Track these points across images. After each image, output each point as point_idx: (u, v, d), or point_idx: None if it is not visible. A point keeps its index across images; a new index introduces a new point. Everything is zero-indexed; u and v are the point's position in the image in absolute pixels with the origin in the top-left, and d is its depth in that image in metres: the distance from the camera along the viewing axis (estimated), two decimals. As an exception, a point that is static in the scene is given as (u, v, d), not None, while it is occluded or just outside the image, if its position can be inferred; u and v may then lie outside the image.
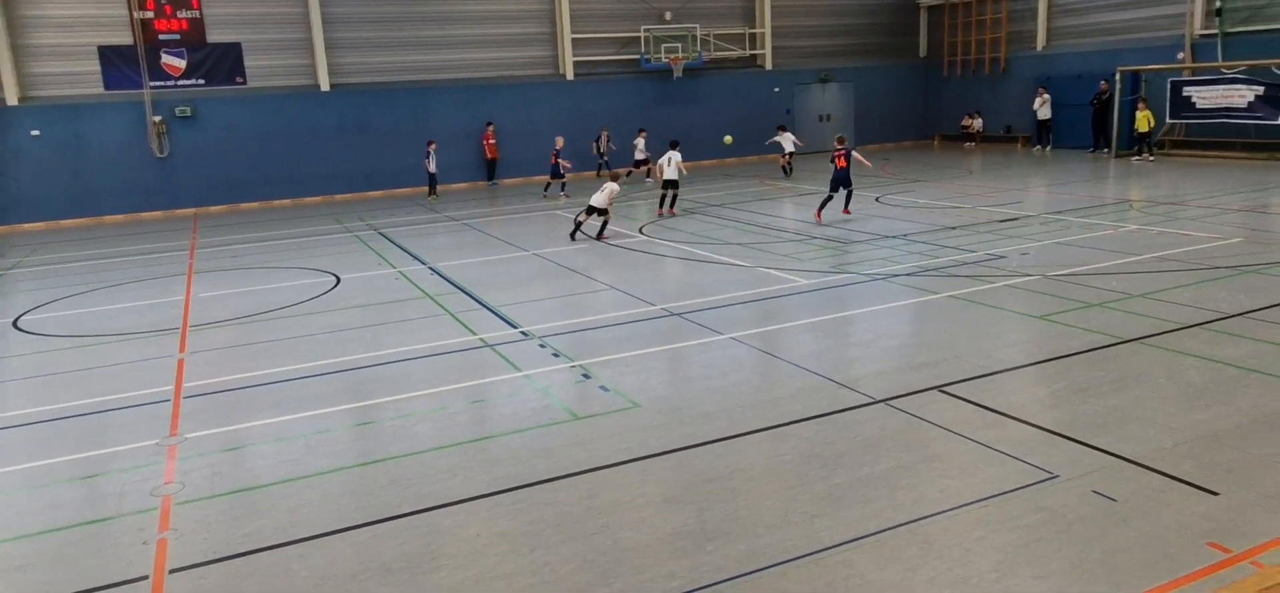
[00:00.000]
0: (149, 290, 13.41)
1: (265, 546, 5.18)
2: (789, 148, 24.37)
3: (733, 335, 9.05)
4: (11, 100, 21.90)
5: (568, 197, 21.17)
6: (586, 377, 8.00)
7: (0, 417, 7.85)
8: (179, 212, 23.68)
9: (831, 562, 4.67)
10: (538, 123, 26.44)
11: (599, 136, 26.37)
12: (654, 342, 9.07)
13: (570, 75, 27.71)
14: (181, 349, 9.79)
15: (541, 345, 9.05)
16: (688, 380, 7.97)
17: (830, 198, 16.10)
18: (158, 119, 23.15)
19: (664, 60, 28.28)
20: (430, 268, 13.74)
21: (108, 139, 22.95)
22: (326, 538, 5.24)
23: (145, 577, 4.87)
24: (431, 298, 11.63)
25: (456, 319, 10.42)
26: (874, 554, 4.71)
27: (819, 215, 15.93)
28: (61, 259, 17.19)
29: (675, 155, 17.80)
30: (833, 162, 16.04)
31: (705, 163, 28.84)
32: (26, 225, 22.31)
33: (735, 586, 4.50)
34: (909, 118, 32.83)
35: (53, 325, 11.40)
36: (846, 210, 16.16)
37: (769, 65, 30.51)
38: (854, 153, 16.40)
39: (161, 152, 23.37)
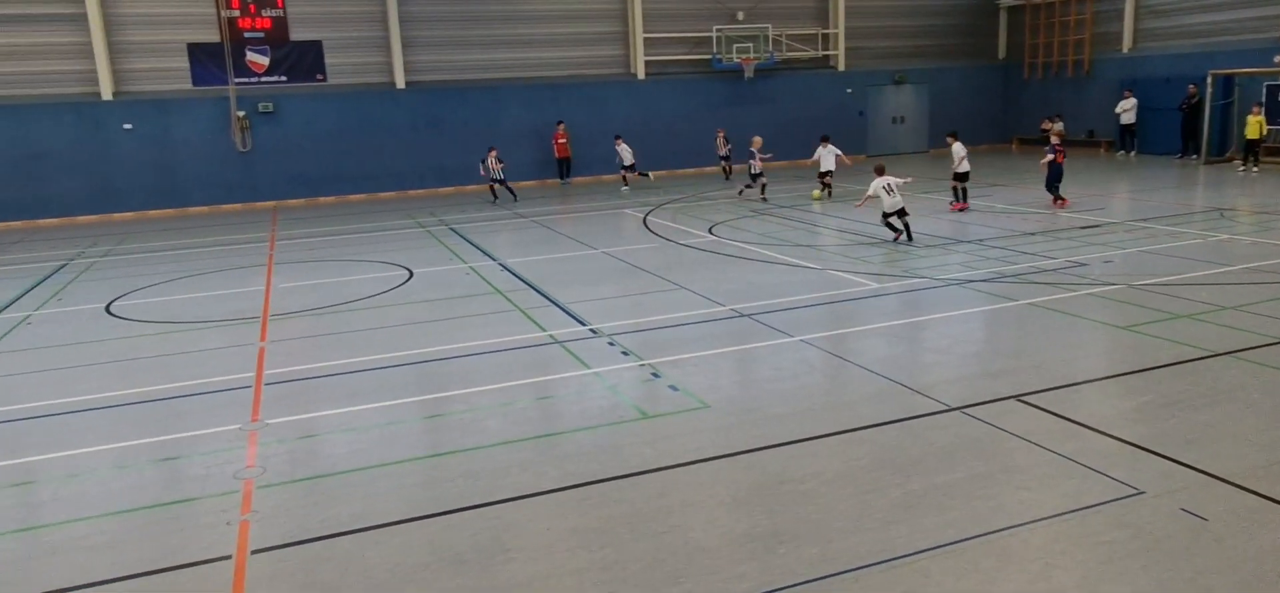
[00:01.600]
0: (231, 280, 13.87)
1: (342, 531, 5.30)
2: (829, 165, 20.20)
3: (803, 338, 8.94)
4: (106, 95, 22.90)
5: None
6: (656, 376, 8.00)
7: (91, 398, 8.20)
8: (259, 205, 24.45)
9: (906, 570, 4.57)
10: (607, 123, 26.53)
11: (717, 136, 26.04)
12: (724, 342, 9.02)
13: (641, 75, 27.76)
14: (262, 338, 10.09)
15: (611, 343, 9.08)
16: (758, 382, 7.90)
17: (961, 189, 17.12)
18: (241, 114, 23.94)
19: (736, 61, 28.13)
20: (501, 264, 13.91)
21: (194, 133, 23.83)
22: (400, 526, 5.34)
23: (228, 557, 5.03)
24: (502, 294, 11.77)
25: (526, 315, 10.52)
26: (951, 564, 4.60)
27: (962, 205, 17.00)
28: (149, 248, 17.91)
29: (833, 150, 19.80)
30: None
31: (777, 164, 28.62)
32: (117, 215, 23.30)
33: (807, 590, 4.44)
34: (986, 120, 31.99)
35: (141, 311, 11.87)
36: (962, 205, 17.03)
37: (842, 66, 30.11)
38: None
39: (244, 146, 24.16)
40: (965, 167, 17.19)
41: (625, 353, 8.74)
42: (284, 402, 7.79)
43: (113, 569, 4.97)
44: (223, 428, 7.15)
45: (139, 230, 20.80)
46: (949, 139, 17.74)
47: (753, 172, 20.37)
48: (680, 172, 27.63)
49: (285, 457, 6.54)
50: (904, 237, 13.74)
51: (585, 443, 6.55)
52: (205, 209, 23.98)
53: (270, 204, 24.52)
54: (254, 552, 5.07)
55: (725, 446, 6.34)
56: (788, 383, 7.68)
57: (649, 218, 18.24)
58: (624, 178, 23.84)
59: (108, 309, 12.06)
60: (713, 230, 16.24)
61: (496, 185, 22.97)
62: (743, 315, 9.96)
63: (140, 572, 4.94)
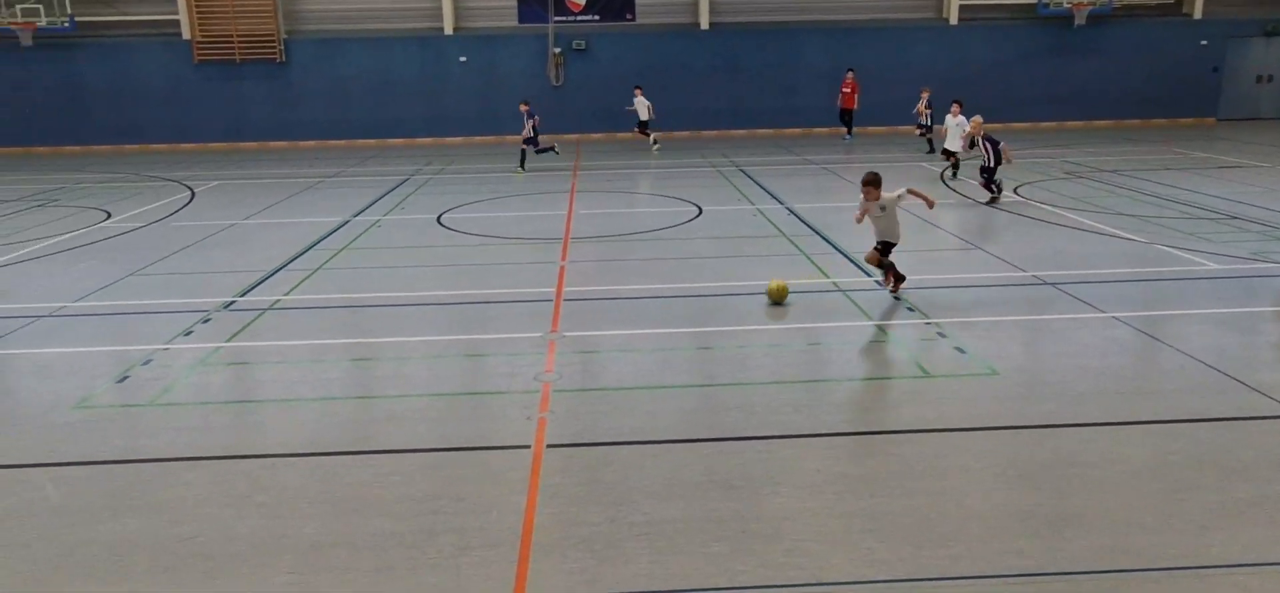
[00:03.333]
0: (539, 204, 15.11)
1: (625, 440, 5.70)
2: (954, 144, 16.50)
3: (1115, 314, 8.09)
4: (448, 30, 25.59)
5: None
6: (942, 336, 7.66)
7: (421, 295, 9.38)
8: (566, 136, 26.25)
9: (1221, 581, 4.07)
10: (907, 72, 25.27)
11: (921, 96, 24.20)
12: (1020, 309, 8.41)
13: (954, 20, 26.07)
14: (563, 257, 10.94)
15: (897, 298, 8.80)
16: (1055, 355, 7.29)
17: None
18: (557, 51, 25.72)
19: (1065, 5, 25.49)
20: (788, 208, 13.90)
21: (515, 68, 26.01)
22: (676, 445, 5.62)
23: (527, 446, 5.61)
24: (787, 237, 11.78)
25: (810, 260, 10.47)
26: (1278, 585, 4.03)
27: None
28: (474, 169, 19.94)
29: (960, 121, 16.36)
30: None
31: (1099, 122, 25.79)
32: (448, 139, 26.13)
33: (1096, 581, 4.11)
34: (1384, 83, 26.55)
35: (466, 225, 13.32)
36: None
37: (1198, 12, 26.22)
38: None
39: (557, 81, 25.98)
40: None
41: (911, 309, 8.43)
42: (578, 317, 8.43)
43: (436, 441, 5.73)
44: (526, 335, 7.90)
45: (465, 154, 23.20)
46: None
47: (986, 167, 14.06)
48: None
49: (578, 367, 7.11)
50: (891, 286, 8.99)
51: (860, 393, 6.46)
52: (518, 138, 26.16)
53: (575, 137, 26.22)
54: (549, 445, 5.61)
55: (1012, 417, 5.96)
56: (1091, 361, 7.02)
57: (945, 174, 17.26)
58: (645, 133, 22.13)
59: (438, 220, 13.66)
60: (1018, 191, 15.04)
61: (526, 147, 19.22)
62: (1045, 284, 9.20)
63: (457, 446, 5.66)
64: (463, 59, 25.80)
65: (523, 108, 19.06)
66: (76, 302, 9.35)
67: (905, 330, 7.87)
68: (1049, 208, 13.44)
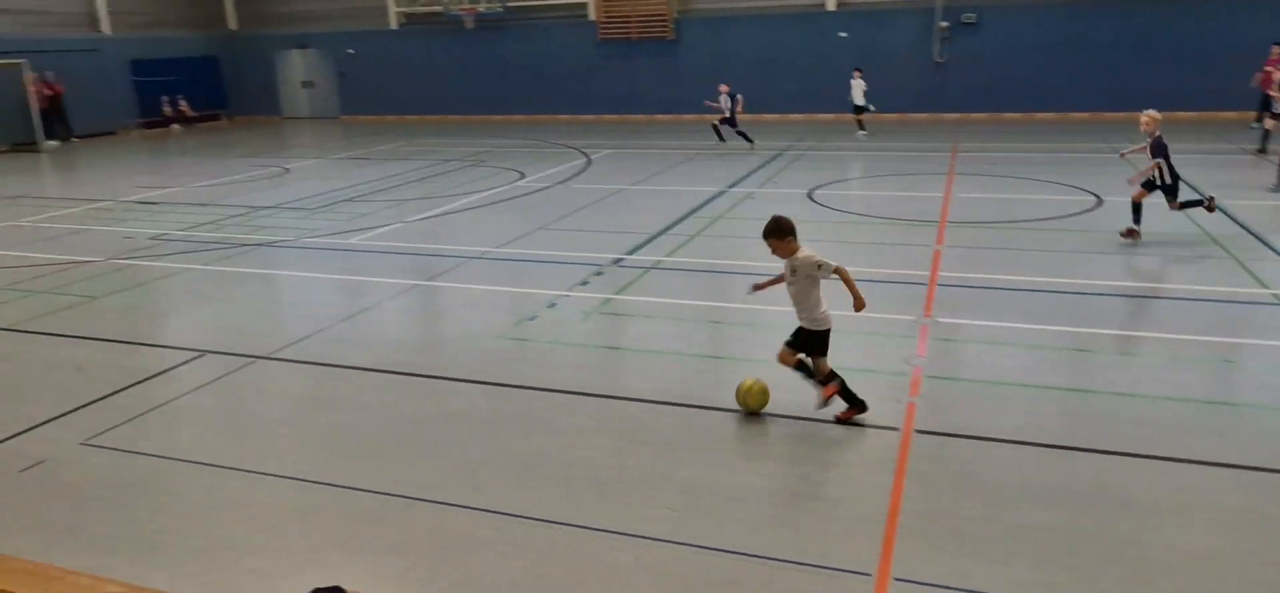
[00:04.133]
0: (913, 184, 14.59)
1: (1002, 437, 5.37)
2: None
3: None
4: (831, 6, 25.51)
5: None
6: None
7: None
8: (943, 115, 24.94)
9: None
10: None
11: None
12: None
13: None
14: (938, 241, 10.48)
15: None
16: None
17: None
18: (944, 24, 24.46)
19: None
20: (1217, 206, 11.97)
21: (897, 42, 25.19)
22: (1061, 450, 5.18)
23: (896, 428, 5.52)
24: (1213, 238, 10.19)
25: (1242, 266, 8.96)
26: None
27: None
28: (846, 146, 19.77)
29: None
30: None
31: None
32: (821, 115, 26.10)
33: None
34: None
35: (835, 201, 13.28)
36: None
37: None
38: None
39: (940, 57, 24.75)
40: None
41: (1381, 335, 6.90)
42: (953, 304, 8.05)
43: (800, 409, 5.82)
44: (897, 316, 7.72)
45: (836, 131, 23.05)
46: None
47: None
48: None
49: (951, 355, 6.81)
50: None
51: (1302, 427, 5.44)
52: (893, 116, 25.37)
53: (954, 116, 24.83)
54: (918, 431, 5.46)
55: None
56: None
57: None
58: (859, 119, 21.29)
59: (809, 195, 13.78)
60: None
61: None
62: None
63: (822, 418, 5.72)
64: (843, 34, 25.56)
65: (724, 89, 20.14)
66: (497, 248, 10.88)
67: (1372, 360, 6.46)
68: None
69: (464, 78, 30.08)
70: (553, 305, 8.41)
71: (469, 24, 29.12)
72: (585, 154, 19.84)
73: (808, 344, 5.65)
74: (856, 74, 21.86)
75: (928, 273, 9.05)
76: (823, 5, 25.70)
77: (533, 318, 8.06)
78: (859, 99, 21.61)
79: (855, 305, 5.60)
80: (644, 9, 27.53)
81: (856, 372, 6.49)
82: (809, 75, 26.12)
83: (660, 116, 28.07)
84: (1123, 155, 11.32)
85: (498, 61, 29.65)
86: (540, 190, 15.13)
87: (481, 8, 28.69)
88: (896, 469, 4.99)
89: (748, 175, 15.97)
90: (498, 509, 4.73)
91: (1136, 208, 10.14)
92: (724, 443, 5.49)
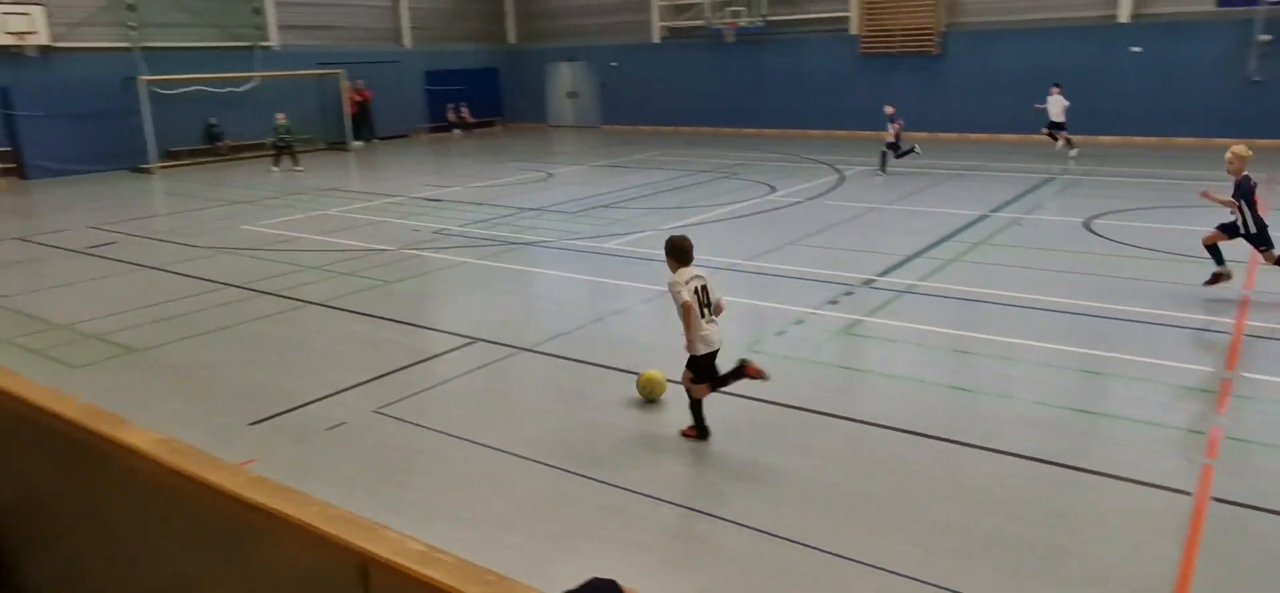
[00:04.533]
0: (1218, 217, 12.88)
1: (1321, 519, 4.62)
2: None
3: None
4: (1123, 18, 23.24)
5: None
6: None
7: (1050, 300, 8.71)
8: (1257, 142, 21.82)
9: None
10: None
11: None
12: None
13: None
14: (1247, 285, 9.21)
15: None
16: None
17: None
18: (1264, 38, 21.49)
19: None
20: None
21: (1203, 58, 22.45)
22: (1405, 545, 4.36)
23: (1186, 493, 4.90)
24: None
25: None
26: None
27: None
28: (1131, 172, 17.89)
29: None
30: None
31: None
32: (1101, 137, 23.81)
33: None
34: None
35: (1116, 232, 12.05)
36: None
37: None
38: None
39: (1256, 75, 21.75)
40: None
41: None
42: (1263, 358, 7.04)
43: (1064, 455, 5.35)
44: (1194, 367, 6.88)
45: (1119, 155, 20.94)
46: None
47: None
48: None
49: (1258, 415, 5.95)
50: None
51: None
52: (1192, 141, 22.63)
53: (1272, 142, 21.70)
54: (1216, 499, 4.82)
55: None
56: None
57: None
58: (1054, 137, 19.52)
59: (1086, 225, 12.61)
60: None
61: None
62: None
63: (1088, 468, 5.20)
64: (1136, 49, 23.17)
65: (888, 110, 19.16)
66: (747, 260, 10.93)
67: None
68: None
69: (720, 90, 30.57)
70: (800, 322, 8.32)
71: (729, 38, 29.56)
72: (838, 170, 19.47)
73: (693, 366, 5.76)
74: (1056, 90, 20.20)
75: (1232, 320, 7.98)
76: (1113, 16, 23.44)
77: (781, 333, 8.02)
78: (1058, 116, 19.96)
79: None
80: (909, 22, 26.56)
81: (1134, 423, 5.87)
82: (1090, 94, 23.91)
83: (917, 133, 26.94)
84: (1203, 195, 9.44)
85: (755, 74, 29.85)
86: (791, 205, 15.03)
87: (743, 22, 29.02)
88: (1186, 540, 4.43)
89: (1015, 198, 14.91)
90: (742, 522, 4.75)
91: (1213, 249, 8.63)
92: (978, 480, 5.15)
